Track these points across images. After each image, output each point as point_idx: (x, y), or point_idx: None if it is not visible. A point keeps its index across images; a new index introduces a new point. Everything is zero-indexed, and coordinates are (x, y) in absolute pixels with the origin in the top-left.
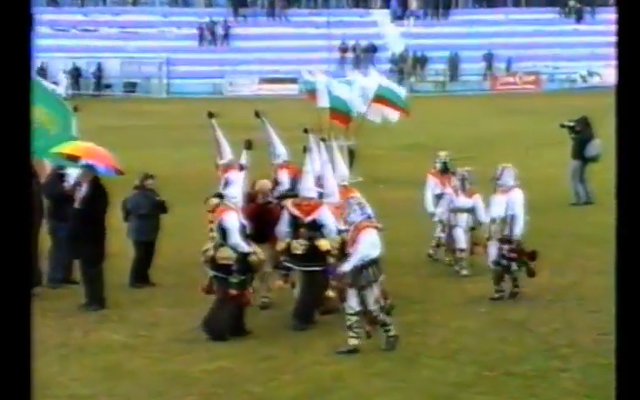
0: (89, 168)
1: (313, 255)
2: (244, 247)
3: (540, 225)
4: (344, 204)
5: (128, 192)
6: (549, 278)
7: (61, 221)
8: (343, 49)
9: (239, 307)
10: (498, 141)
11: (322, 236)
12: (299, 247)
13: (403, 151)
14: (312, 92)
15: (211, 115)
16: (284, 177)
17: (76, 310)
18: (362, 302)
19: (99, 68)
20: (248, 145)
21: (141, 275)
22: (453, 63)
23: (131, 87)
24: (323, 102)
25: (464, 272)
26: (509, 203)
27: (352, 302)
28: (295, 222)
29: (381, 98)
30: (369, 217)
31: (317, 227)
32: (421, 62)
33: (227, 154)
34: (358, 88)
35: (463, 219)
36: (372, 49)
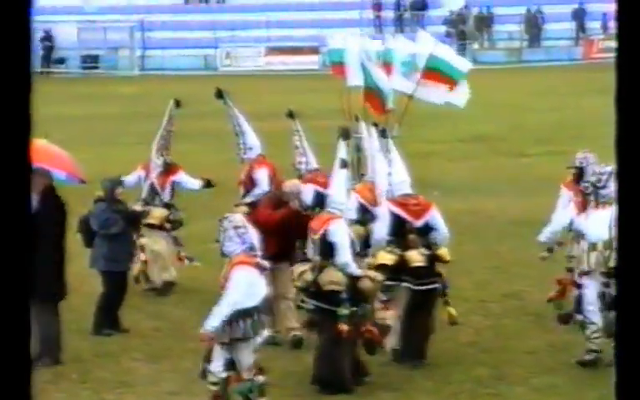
0: (41, 175)
1: (430, 269)
2: (355, 268)
3: None
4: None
5: (87, 206)
6: None
7: None
8: (379, 6)
9: (353, 347)
10: (594, 130)
11: (436, 243)
12: (419, 258)
13: (464, 144)
14: (339, 66)
15: (178, 104)
16: (262, 176)
17: None
18: (231, 365)
19: (48, 36)
20: (346, 135)
21: (109, 318)
22: (532, 23)
23: (92, 61)
24: (355, 78)
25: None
26: (613, 221)
27: (217, 366)
28: (401, 228)
29: (433, 72)
30: (251, 249)
31: (428, 233)
32: (487, 21)
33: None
34: (401, 59)
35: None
36: (421, 5)
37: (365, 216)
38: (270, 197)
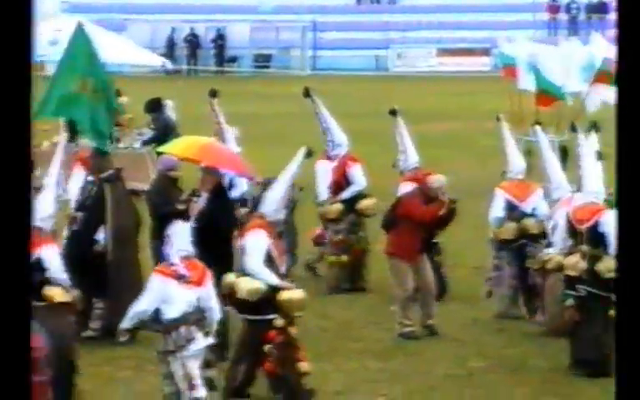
0: (211, 173)
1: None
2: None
3: None
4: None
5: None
6: None
7: None
8: (554, 8)
9: None
10: None
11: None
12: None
13: None
14: (511, 68)
15: (214, 94)
16: (357, 173)
17: None
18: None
19: (220, 35)
20: (596, 128)
21: None
22: None
23: (264, 60)
24: (526, 82)
25: None
26: None
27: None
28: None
29: (606, 76)
30: (165, 257)
31: (598, 239)
32: None
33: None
34: (575, 63)
35: None
36: (600, 8)
37: (512, 212)
38: (416, 192)
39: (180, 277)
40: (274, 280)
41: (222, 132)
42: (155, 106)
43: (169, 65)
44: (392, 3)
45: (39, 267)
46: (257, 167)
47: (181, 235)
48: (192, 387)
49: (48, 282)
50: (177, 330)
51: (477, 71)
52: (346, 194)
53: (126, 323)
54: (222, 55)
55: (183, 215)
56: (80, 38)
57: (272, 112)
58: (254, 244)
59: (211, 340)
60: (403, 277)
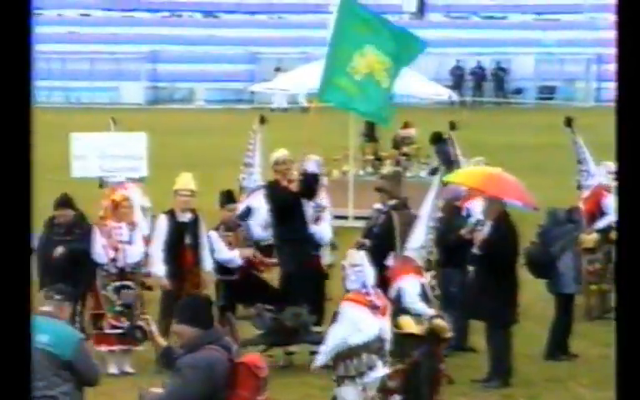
0: (495, 203)
1: None
2: None
3: None
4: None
5: (531, 233)
6: None
7: (454, 268)
8: None
9: None
10: None
11: None
12: None
13: None
14: None
15: (453, 126)
16: (612, 203)
17: (471, 386)
18: None
19: (500, 68)
20: None
21: (562, 343)
22: None
23: (548, 92)
24: None
25: None
26: None
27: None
28: None
29: None
30: (363, 286)
31: None
32: None
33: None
34: None
35: None
36: None
37: None
38: None
39: (374, 307)
40: None
41: (458, 163)
42: (437, 138)
43: (455, 97)
44: None
45: (399, 296)
46: (539, 197)
47: (369, 265)
48: None
49: (406, 311)
50: (360, 356)
51: None
52: (601, 224)
53: (323, 359)
54: (502, 87)
55: (468, 243)
56: (347, 13)
57: (553, 143)
58: None
59: (388, 369)
60: None
